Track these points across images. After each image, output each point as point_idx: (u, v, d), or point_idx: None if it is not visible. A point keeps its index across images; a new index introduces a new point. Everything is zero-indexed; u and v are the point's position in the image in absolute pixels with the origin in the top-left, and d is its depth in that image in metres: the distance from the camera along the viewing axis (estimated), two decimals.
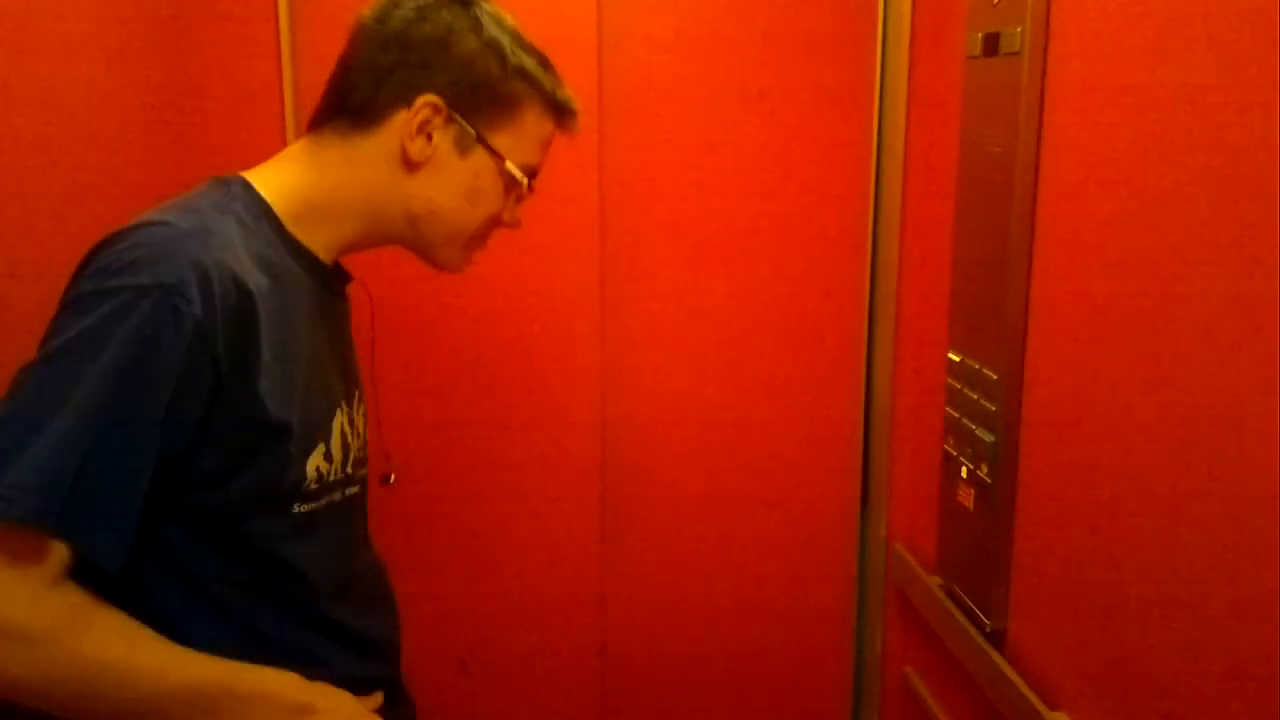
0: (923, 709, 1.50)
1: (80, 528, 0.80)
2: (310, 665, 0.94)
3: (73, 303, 0.82)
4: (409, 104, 0.97)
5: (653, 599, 1.76)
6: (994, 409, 1.22)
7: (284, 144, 1.51)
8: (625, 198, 1.63)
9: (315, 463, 0.96)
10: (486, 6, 1.02)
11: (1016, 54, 1.15)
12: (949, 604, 1.36)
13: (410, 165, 0.99)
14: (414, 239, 1.04)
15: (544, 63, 1.05)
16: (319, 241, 0.99)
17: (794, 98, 1.62)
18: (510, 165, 1.03)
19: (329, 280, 1.02)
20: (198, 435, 0.85)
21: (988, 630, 1.25)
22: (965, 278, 1.32)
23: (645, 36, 1.59)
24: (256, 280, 0.88)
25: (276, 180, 0.97)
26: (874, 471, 1.71)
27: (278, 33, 1.52)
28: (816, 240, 1.66)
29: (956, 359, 1.32)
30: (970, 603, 1.30)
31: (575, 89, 1.08)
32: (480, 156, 1.01)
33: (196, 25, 1.51)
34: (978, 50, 1.25)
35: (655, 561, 1.75)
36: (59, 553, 0.80)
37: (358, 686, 0.99)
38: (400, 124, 0.97)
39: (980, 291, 1.27)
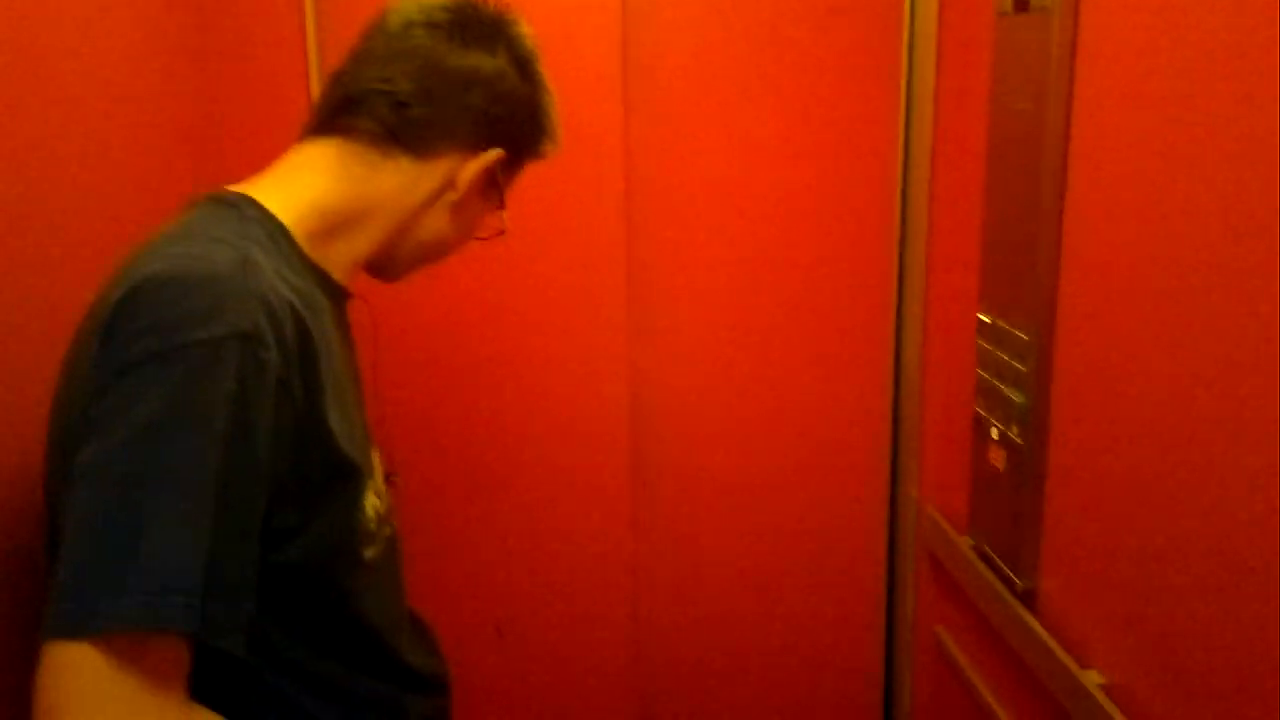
0: (954, 668, 1.51)
1: (223, 622, 0.71)
2: (391, 715, 0.95)
3: (132, 369, 0.70)
4: (475, 150, 0.95)
5: (684, 562, 1.77)
6: (1025, 370, 1.21)
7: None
8: (651, 166, 1.63)
9: (371, 501, 0.90)
10: (528, 44, 0.99)
11: (1047, 10, 1.13)
12: (980, 564, 1.36)
13: (445, 201, 0.96)
14: (392, 256, 0.99)
15: (551, 95, 1.03)
16: (333, 260, 0.92)
17: (821, 58, 1.60)
18: (504, 210, 1.03)
19: (342, 301, 0.96)
20: (281, 486, 0.78)
21: (1019, 590, 1.25)
22: (996, 238, 1.31)
23: (669, 9, 1.58)
24: (300, 308, 0.81)
25: (292, 193, 0.89)
26: (904, 433, 1.71)
27: (304, 29, 1.52)
28: (843, 204, 1.65)
29: (987, 320, 1.32)
30: (1001, 563, 1.30)
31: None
32: (482, 198, 1.01)
33: (221, 23, 1.51)
34: (1008, 7, 1.23)
35: (686, 527, 1.76)
36: (185, 654, 0.71)
37: None
38: (456, 162, 0.95)
39: (1011, 252, 1.26)
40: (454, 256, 1.05)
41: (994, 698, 1.37)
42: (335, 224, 0.91)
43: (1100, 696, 1.06)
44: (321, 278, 0.90)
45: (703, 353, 1.70)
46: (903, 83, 1.61)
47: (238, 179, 0.91)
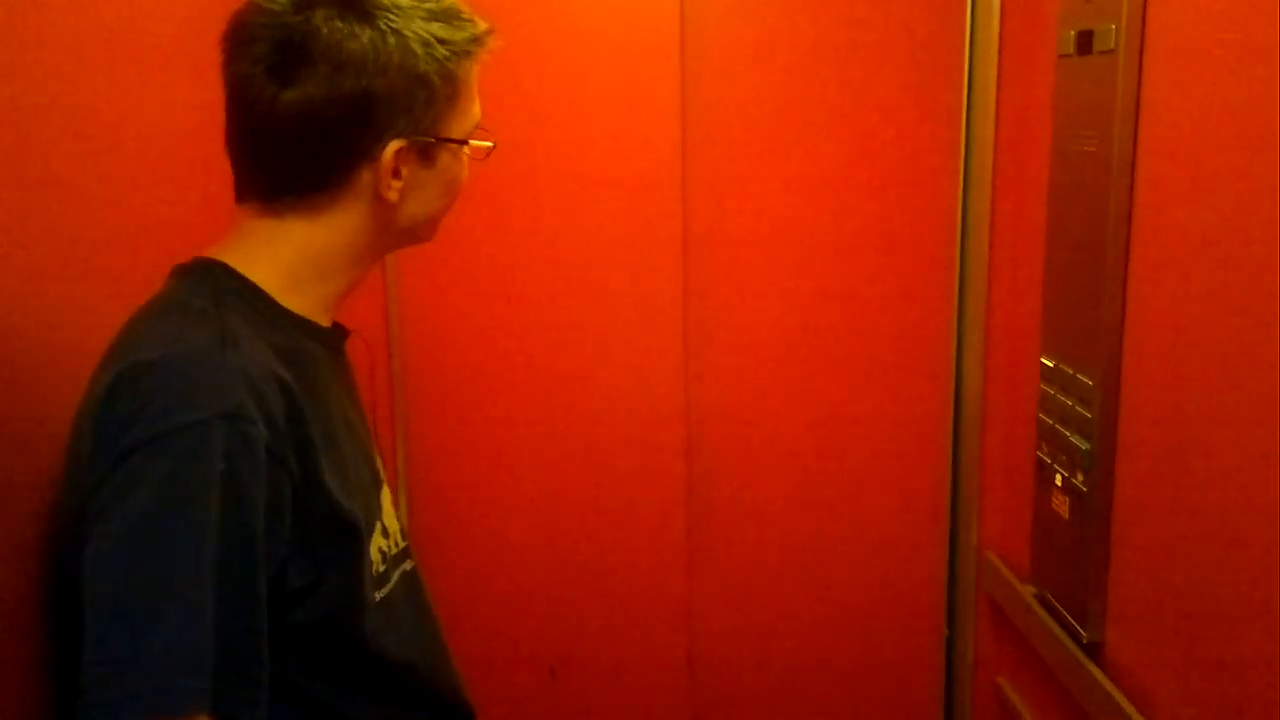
0: (1016, 718, 1.47)
1: (238, 698, 0.73)
2: None
3: (121, 462, 0.73)
4: (374, 160, 0.88)
5: (740, 606, 1.76)
6: (1090, 415, 1.19)
7: None
8: (709, 204, 1.64)
9: (377, 544, 0.92)
10: (327, 33, 0.86)
11: (1111, 51, 1.12)
12: (1043, 614, 1.33)
13: (388, 204, 0.91)
14: (399, 245, 0.99)
15: (447, 14, 0.91)
16: (313, 307, 0.91)
17: (881, 98, 1.60)
18: (473, 143, 0.95)
19: (335, 343, 0.96)
20: (286, 555, 0.80)
21: (1084, 641, 1.22)
22: (1059, 281, 1.29)
23: (728, 45, 1.60)
24: (284, 372, 0.82)
25: (252, 260, 0.88)
26: (963, 477, 1.68)
27: None
28: (903, 242, 1.65)
29: (1050, 364, 1.29)
30: (1066, 613, 1.27)
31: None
32: (444, 153, 0.93)
33: None
34: (1070, 48, 1.22)
35: (742, 568, 1.74)
36: None
37: None
38: (368, 178, 0.89)
39: (1075, 295, 1.24)
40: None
41: None
42: (302, 277, 0.90)
43: None
44: (309, 327, 0.91)
45: (759, 387, 1.69)
46: (963, 120, 1.60)
47: None
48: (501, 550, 1.72)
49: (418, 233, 0.97)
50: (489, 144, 0.97)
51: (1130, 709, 1.10)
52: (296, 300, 0.90)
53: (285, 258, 0.89)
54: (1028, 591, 1.40)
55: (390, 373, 1.65)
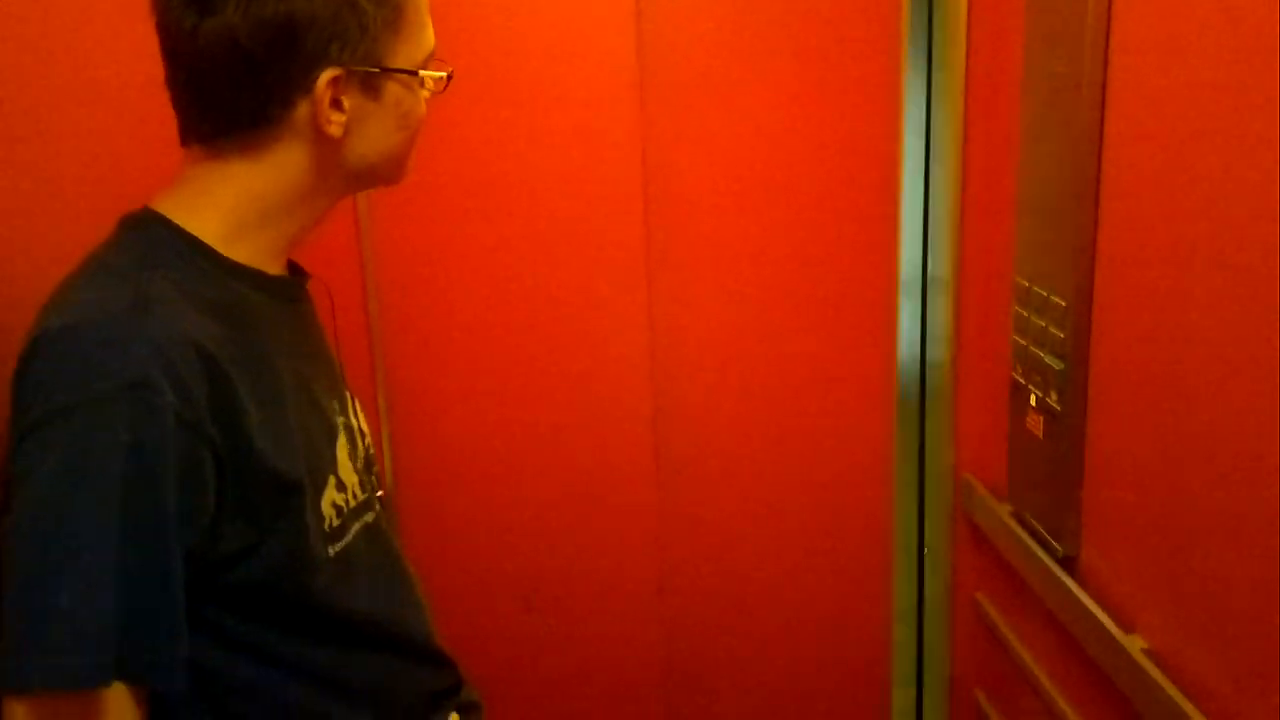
0: (995, 634, 1.51)
1: (150, 665, 0.74)
2: (406, 688, 0.98)
3: (30, 433, 0.73)
4: (308, 91, 0.83)
5: (709, 534, 1.79)
6: (1062, 335, 1.20)
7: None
8: (667, 159, 1.63)
9: (330, 498, 0.90)
10: None
11: None
12: (1020, 531, 1.36)
13: (332, 139, 0.86)
14: (360, 186, 0.95)
15: None
16: (261, 254, 0.88)
17: (833, 27, 1.60)
18: (423, 72, 0.90)
19: (286, 290, 0.93)
20: (215, 518, 0.79)
21: (1060, 556, 1.25)
22: (1032, 203, 1.30)
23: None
24: (214, 333, 0.80)
25: (191, 210, 0.86)
26: (934, 401, 1.71)
27: None
28: (848, 175, 1.65)
29: (1025, 284, 1.31)
30: (1042, 529, 1.30)
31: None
32: (393, 85, 0.88)
33: None
34: None
35: (711, 499, 1.77)
36: (126, 700, 0.75)
37: (438, 700, 1.03)
38: (305, 112, 0.84)
39: (1047, 217, 1.25)
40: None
41: (1035, 663, 1.37)
42: (246, 223, 0.87)
43: (1143, 661, 1.06)
44: (254, 277, 0.88)
45: (722, 326, 1.71)
46: (925, 43, 1.59)
47: None
48: (478, 484, 1.73)
49: (378, 172, 0.93)
50: (442, 74, 0.92)
51: (1106, 619, 1.13)
52: (241, 248, 0.87)
53: (226, 203, 0.86)
54: (1004, 510, 1.43)
55: (368, 317, 1.65)
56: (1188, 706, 0.98)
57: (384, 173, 0.94)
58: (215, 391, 0.78)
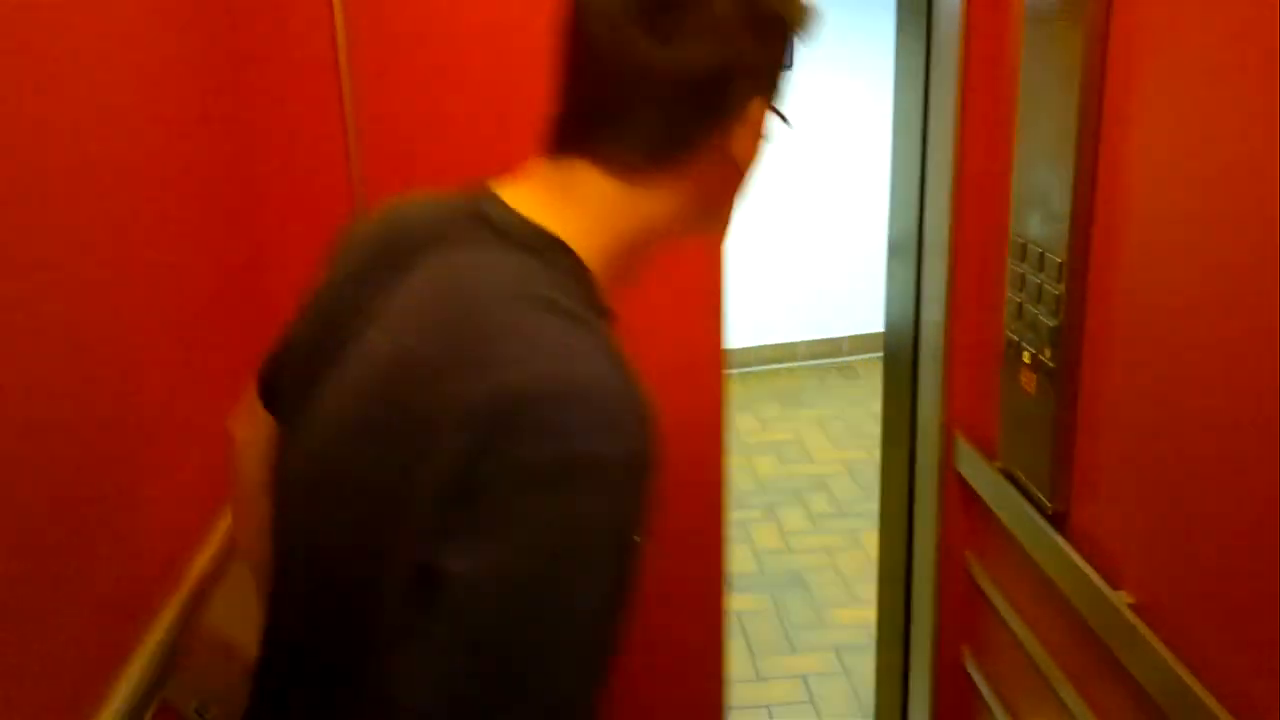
0: (983, 591, 1.52)
1: None
2: None
3: (526, 485, 0.66)
4: (740, 115, 0.79)
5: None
6: (1057, 293, 1.20)
7: (341, 126, 1.48)
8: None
9: None
10: None
11: None
12: (1010, 488, 1.36)
13: (738, 168, 0.82)
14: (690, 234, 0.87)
15: None
16: (613, 292, 0.81)
17: None
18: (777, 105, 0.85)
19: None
20: None
21: (1049, 512, 1.25)
22: (1029, 159, 1.29)
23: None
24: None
25: (588, 233, 0.79)
26: (926, 361, 1.70)
27: (334, 29, 1.48)
28: None
29: (1021, 241, 1.30)
30: (1032, 486, 1.30)
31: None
32: (759, 111, 0.82)
33: (251, 23, 1.47)
34: None
35: None
36: None
37: None
38: (718, 137, 0.79)
39: (1044, 172, 1.23)
40: None
41: (1022, 620, 1.38)
42: (629, 262, 0.82)
43: (1130, 616, 1.06)
44: (614, 321, 0.80)
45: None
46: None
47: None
48: None
49: (718, 218, 0.87)
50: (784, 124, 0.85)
51: (1093, 575, 1.14)
52: (608, 289, 0.80)
53: (620, 241, 0.80)
54: (995, 468, 1.43)
55: None
56: (1173, 661, 0.99)
57: (729, 215, 0.88)
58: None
